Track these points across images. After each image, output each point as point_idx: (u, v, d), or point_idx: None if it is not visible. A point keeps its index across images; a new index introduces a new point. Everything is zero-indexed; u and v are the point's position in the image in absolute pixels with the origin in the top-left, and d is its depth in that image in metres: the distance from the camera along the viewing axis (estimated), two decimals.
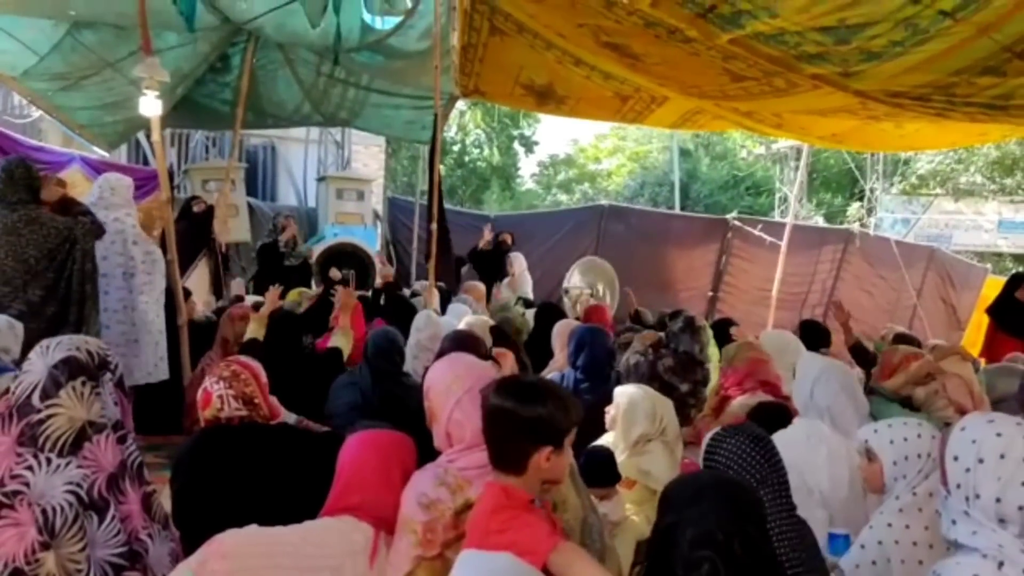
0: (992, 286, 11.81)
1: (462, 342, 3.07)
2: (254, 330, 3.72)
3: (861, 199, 17.21)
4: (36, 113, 7.51)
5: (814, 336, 4.83)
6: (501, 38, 5.80)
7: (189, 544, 1.86)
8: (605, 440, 2.84)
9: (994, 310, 6.82)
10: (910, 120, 4.34)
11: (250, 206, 9.48)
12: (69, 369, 1.73)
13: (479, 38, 5.94)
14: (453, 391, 1.92)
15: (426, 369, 3.00)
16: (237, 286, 8.11)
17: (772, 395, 3.32)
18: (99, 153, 7.84)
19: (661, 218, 11.75)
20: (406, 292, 7.01)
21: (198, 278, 7.62)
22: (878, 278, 10.85)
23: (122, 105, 6.83)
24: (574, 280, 7.69)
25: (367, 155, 12.34)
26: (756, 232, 10.12)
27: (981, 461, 1.58)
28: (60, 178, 5.69)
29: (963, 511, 1.60)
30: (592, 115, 7.97)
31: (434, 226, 5.55)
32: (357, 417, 3.01)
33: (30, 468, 1.63)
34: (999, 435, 1.58)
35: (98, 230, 3.93)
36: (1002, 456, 1.55)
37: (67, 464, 1.67)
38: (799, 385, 2.54)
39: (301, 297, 5.43)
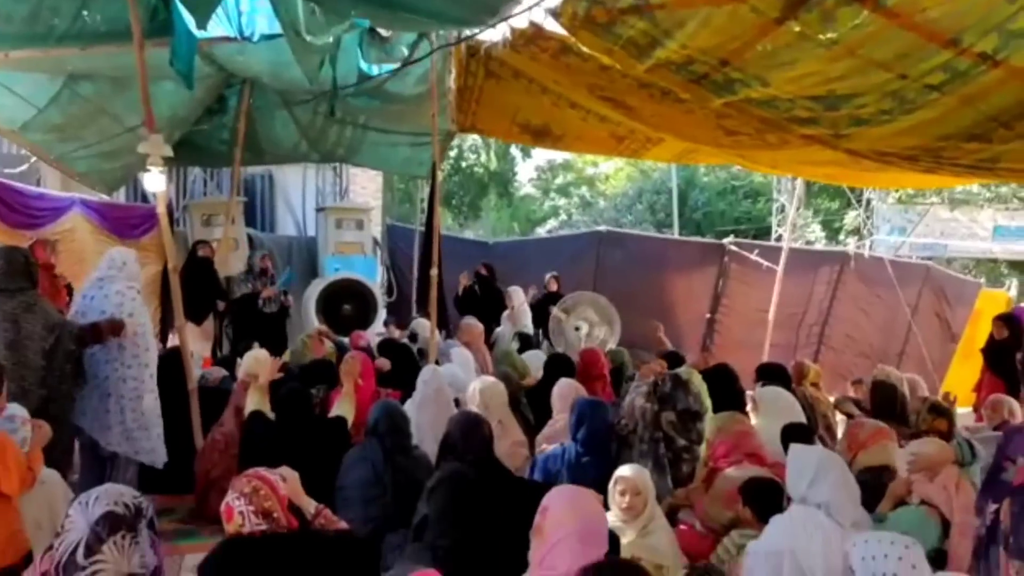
0: (985, 298, 11.90)
1: (466, 425, 3.09)
2: (256, 401, 3.62)
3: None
4: (32, 158, 7.52)
5: (773, 379, 4.99)
6: (497, 81, 5.89)
7: None
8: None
9: (984, 350, 7.14)
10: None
11: (249, 237, 9.47)
12: (110, 524, 1.79)
13: (475, 81, 6.03)
14: (563, 524, 2.04)
15: (445, 434, 3.07)
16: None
17: (758, 465, 3.43)
18: (98, 196, 7.88)
19: (658, 243, 11.75)
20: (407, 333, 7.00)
21: (199, 337, 7.50)
22: (875, 297, 10.86)
23: (120, 152, 6.82)
24: (571, 317, 7.67)
25: (365, 178, 12.30)
26: (753, 257, 10.15)
27: None
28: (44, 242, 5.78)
29: None
30: (589, 151, 8.02)
31: (434, 271, 5.60)
32: (368, 492, 3.08)
33: None
34: None
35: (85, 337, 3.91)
36: None
37: None
38: (795, 477, 2.56)
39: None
